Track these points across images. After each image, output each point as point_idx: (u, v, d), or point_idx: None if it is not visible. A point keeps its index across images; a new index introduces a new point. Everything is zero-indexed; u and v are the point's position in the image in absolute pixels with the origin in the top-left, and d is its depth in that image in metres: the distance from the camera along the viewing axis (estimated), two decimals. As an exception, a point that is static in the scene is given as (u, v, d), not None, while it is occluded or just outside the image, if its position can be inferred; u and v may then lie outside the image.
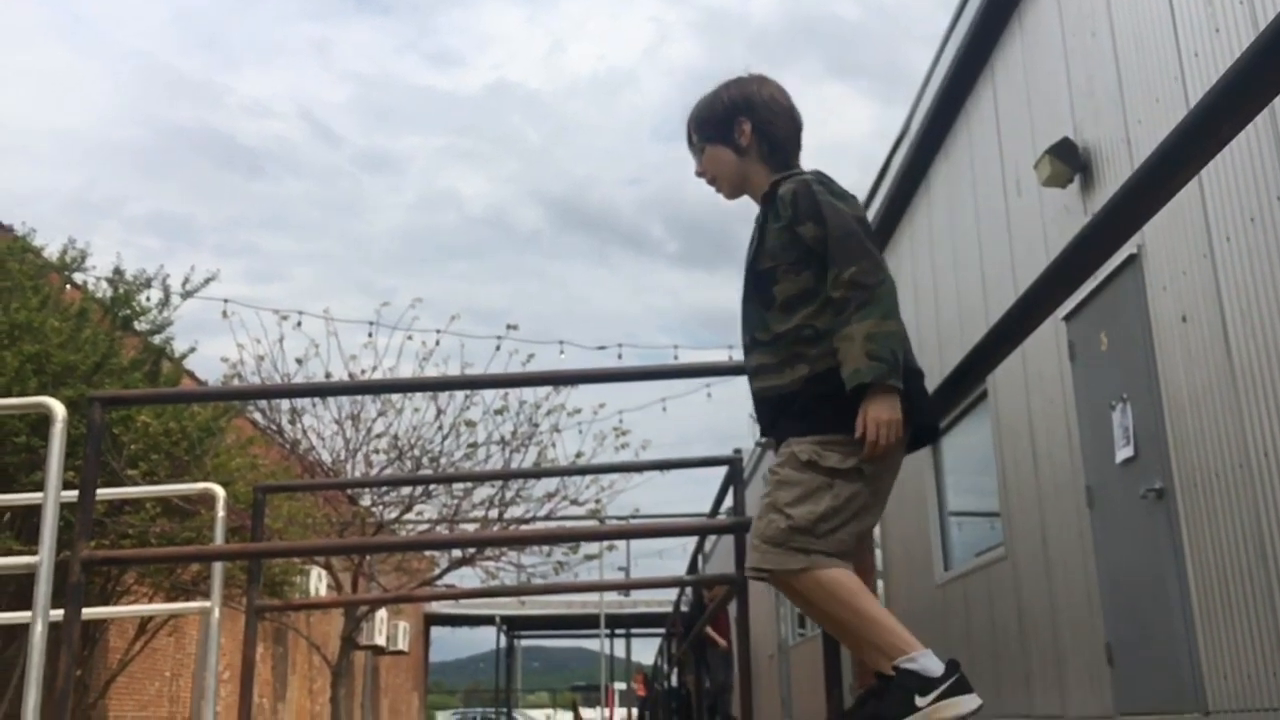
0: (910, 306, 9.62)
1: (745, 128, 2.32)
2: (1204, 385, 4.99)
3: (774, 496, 2.12)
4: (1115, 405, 5.84)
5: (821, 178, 2.26)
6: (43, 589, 3.58)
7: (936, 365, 8.60)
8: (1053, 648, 6.73)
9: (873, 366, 2.02)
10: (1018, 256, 7.23)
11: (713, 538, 14.64)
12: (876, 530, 10.69)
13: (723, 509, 6.80)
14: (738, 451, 6.38)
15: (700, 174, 2.43)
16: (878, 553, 10.60)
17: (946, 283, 8.72)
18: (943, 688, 2.00)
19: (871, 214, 10.08)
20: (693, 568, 8.10)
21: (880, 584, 10.47)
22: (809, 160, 2.39)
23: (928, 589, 9.21)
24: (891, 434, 2.03)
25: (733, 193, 2.41)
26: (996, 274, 7.61)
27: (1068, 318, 6.29)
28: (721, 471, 6.48)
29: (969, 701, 2.01)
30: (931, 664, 2.04)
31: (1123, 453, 5.75)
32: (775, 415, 2.26)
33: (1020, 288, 6.94)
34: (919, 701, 1.98)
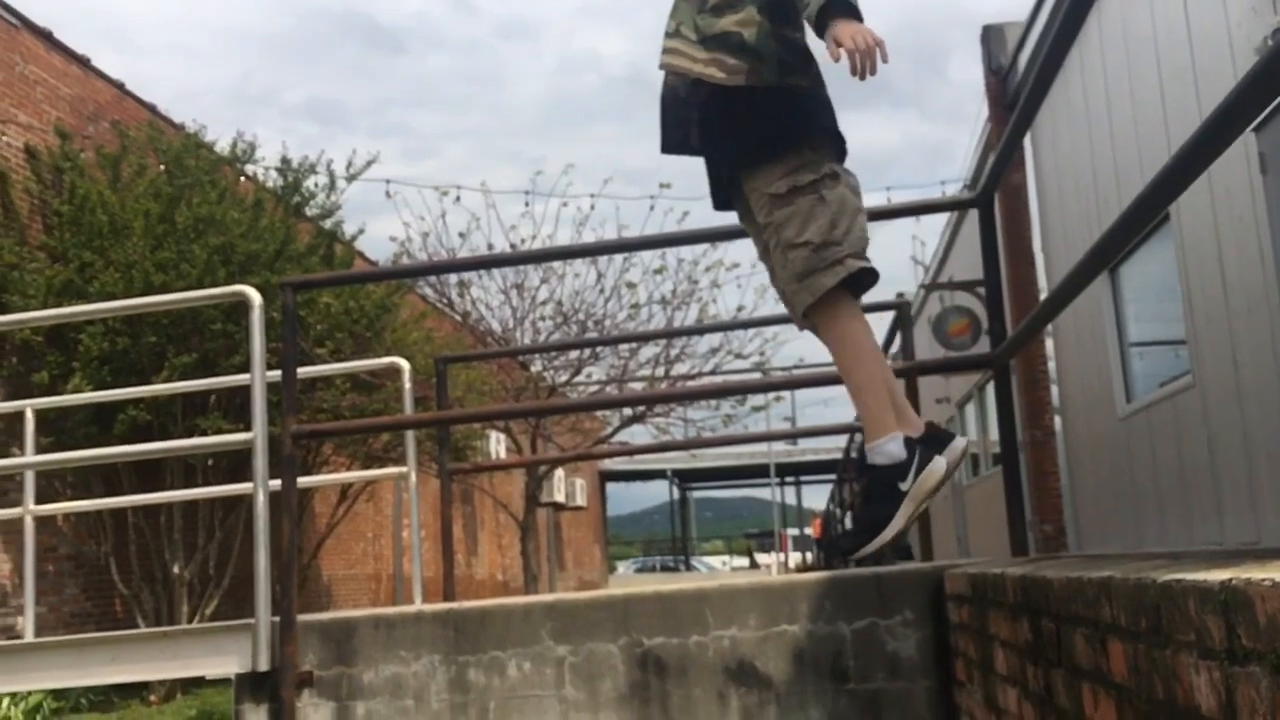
0: (1084, 135, 9.12)
1: None
2: None
3: (782, 239, 2.20)
4: (1313, 219, 5.46)
5: None
6: (260, 461, 3.88)
7: (1114, 196, 8.18)
8: (1246, 475, 6.51)
9: None
10: (1200, 69, 6.73)
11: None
12: (1051, 365, 10.43)
13: (890, 353, 6.75)
14: (901, 295, 6.31)
15: None
16: (1053, 389, 10.37)
17: (1121, 106, 8.21)
18: (915, 464, 2.15)
19: (1033, 39, 9.52)
20: (863, 413, 8.13)
21: (1058, 420, 10.26)
22: None
23: (1109, 423, 8.98)
24: (870, 39, 2.01)
25: None
26: (1177, 91, 7.12)
27: (1257, 128, 5.86)
28: (887, 317, 6.43)
29: (939, 463, 2.17)
30: (896, 448, 2.16)
31: (1322, 269, 5.41)
32: (684, 129, 2.36)
33: (1204, 102, 6.48)
34: (903, 487, 2.15)
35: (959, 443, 2.26)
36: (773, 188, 2.19)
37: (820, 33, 2.07)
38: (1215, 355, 6.88)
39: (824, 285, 2.17)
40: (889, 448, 2.17)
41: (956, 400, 15.86)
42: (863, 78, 1.99)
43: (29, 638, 4.78)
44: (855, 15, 2.04)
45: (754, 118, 2.21)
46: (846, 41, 1.99)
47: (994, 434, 13.22)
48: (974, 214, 4.10)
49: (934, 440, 2.24)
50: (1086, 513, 9.84)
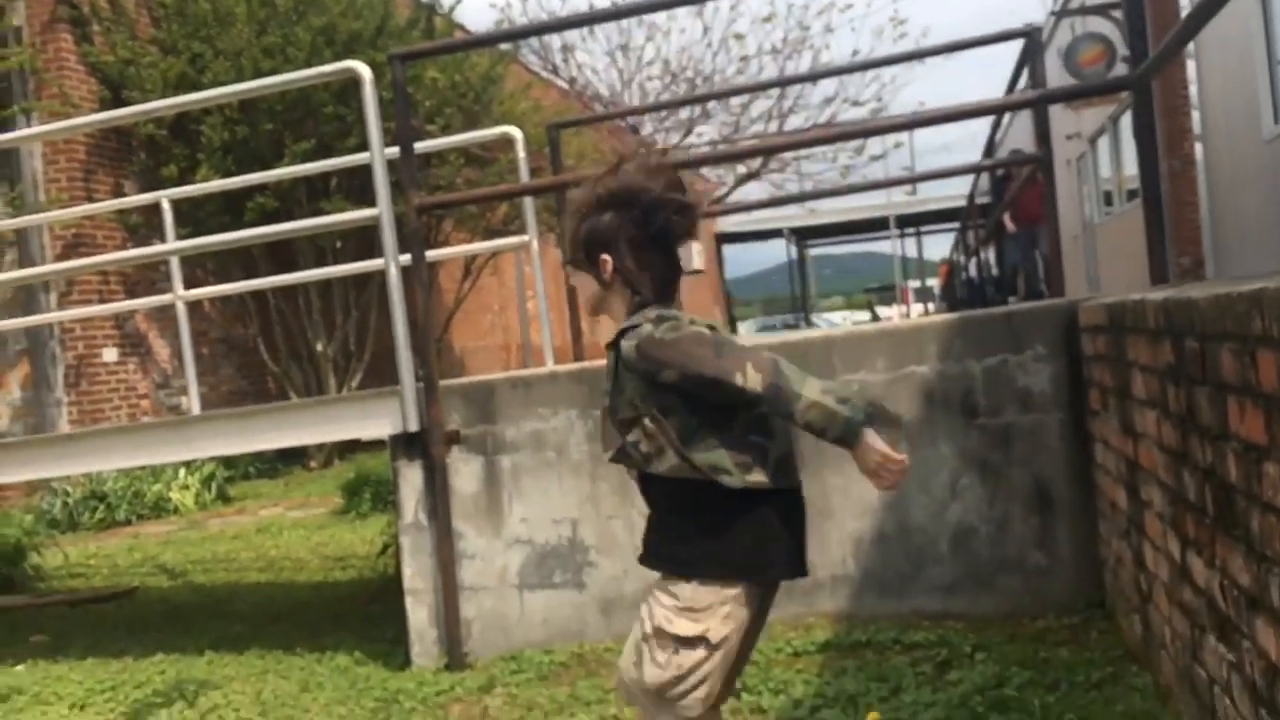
0: None
1: (608, 266, 2.15)
2: None
3: (643, 626, 2.13)
4: None
5: (664, 317, 2.09)
6: (388, 236, 3.97)
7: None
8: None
9: (852, 406, 1.96)
10: None
11: (1004, 122, 13.91)
12: (1193, 90, 9.78)
13: (1019, 85, 6.41)
14: (1029, 24, 5.90)
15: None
16: (1195, 114, 9.76)
17: None
18: None
19: None
20: (989, 153, 7.82)
21: (1199, 147, 9.72)
22: None
23: (1255, 147, 8.48)
24: (897, 466, 1.97)
25: (593, 314, 2.31)
26: None
27: None
28: (1013, 54, 6.06)
29: None
30: None
31: None
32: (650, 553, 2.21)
33: None
34: None
35: None
36: (657, 611, 2.10)
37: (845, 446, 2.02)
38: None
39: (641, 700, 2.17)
40: None
41: (1089, 135, 15.12)
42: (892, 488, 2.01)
43: (196, 412, 5.13)
44: (871, 422, 1.97)
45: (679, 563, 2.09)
46: (878, 475, 1.98)
47: (1129, 169, 12.64)
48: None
49: None
50: (1227, 242, 9.45)
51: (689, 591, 2.06)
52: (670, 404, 2.07)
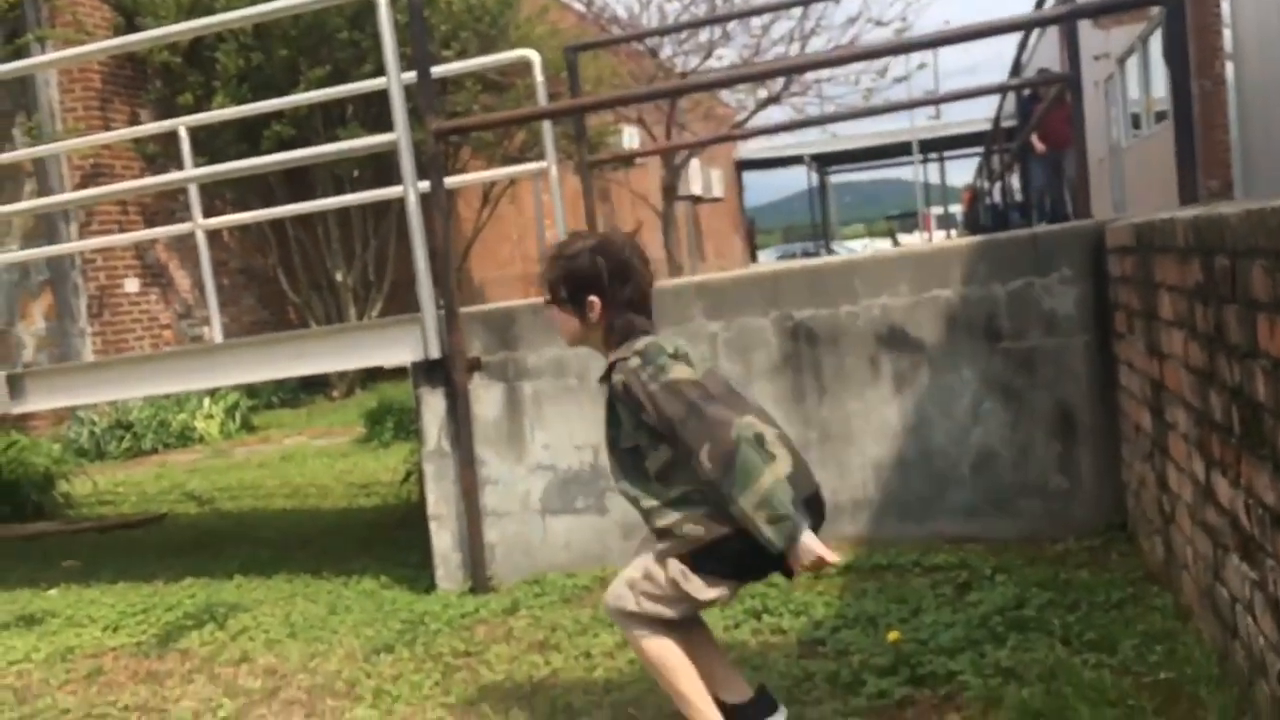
0: None
1: (595, 307, 2.27)
2: None
3: (634, 577, 2.28)
4: None
5: (648, 355, 2.19)
6: (407, 162, 3.93)
7: None
8: None
9: (779, 528, 2.06)
10: None
11: (1031, 42, 13.64)
12: (1225, 7, 9.53)
13: (1046, 4, 6.26)
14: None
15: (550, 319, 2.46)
16: (1226, 33, 9.52)
17: None
18: None
19: None
20: (1015, 74, 7.66)
21: (1229, 67, 9.50)
22: None
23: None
24: (820, 558, 2.09)
25: (573, 345, 2.43)
26: None
27: None
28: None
29: None
30: None
31: None
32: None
33: None
34: None
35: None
36: (673, 564, 2.23)
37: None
38: None
39: (625, 627, 2.32)
40: None
41: (1117, 56, 14.80)
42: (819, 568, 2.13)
43: (219, 341, 5.15)
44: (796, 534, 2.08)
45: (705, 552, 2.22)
46: (801, 566, 2.11)
47: (1157, 91, 12.39)
48: None
49: (757, 706, 2.34)
50: (1258, 163, 9.28)
51: (683, 568, 2.24)
52: (650, 438, 2.21)
